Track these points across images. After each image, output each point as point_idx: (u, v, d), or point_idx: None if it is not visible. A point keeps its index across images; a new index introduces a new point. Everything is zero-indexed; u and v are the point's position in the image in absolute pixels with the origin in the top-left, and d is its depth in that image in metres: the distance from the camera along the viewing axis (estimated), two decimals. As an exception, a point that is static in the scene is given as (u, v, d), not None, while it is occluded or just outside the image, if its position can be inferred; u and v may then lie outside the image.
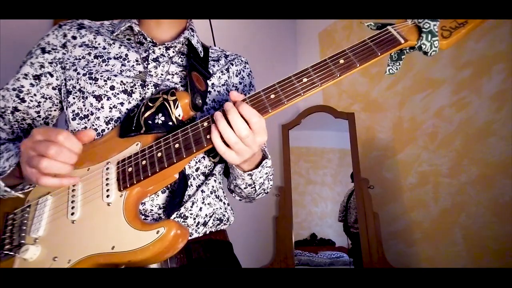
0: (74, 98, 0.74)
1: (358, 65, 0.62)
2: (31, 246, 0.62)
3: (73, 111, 0.74)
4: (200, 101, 0.71)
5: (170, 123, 0.67)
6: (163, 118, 0.67)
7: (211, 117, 0.63)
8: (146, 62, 0.78)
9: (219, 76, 0.85)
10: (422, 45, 0.62)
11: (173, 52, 0.81)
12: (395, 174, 2.03)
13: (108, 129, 0.72)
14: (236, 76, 0.88)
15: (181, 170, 0.66)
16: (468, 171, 1.69)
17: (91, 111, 0.73)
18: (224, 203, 0.80)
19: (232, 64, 0.89)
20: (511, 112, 1.57)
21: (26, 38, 0.84)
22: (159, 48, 0.79)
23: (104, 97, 0.72)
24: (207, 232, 0.74)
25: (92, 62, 0.76)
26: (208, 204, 0.74)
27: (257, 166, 0.72)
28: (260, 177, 0.74)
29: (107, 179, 0.65)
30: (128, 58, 0.78)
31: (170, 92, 0.69)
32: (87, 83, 0.73)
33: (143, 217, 0.69)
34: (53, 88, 0.78)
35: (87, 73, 0.74)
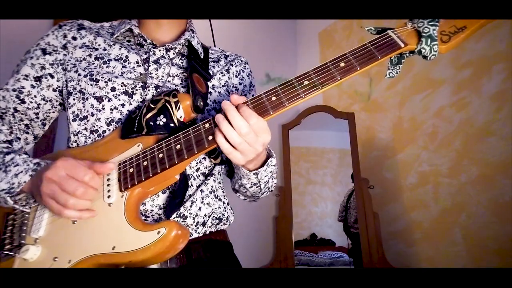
0: (74, 100, 0.75)
1: (358, 68, 0.63)
2: (32, 246, 0.62)
3: (73, 112, 0.74)
4: (201, 103, 0.71)
5: (172, 124, 0.68)
6: (164, 120, 0.67)
7: (212, 119, 0.64)
8: (147, 64, 0.78)
9: (219, 78, 0.85)
10: (421, 49, 0.63)
11: (174, 53, 0.81)
12: (395, 174, 2.03)
13: (109, 130, 0.72)
14: (236, 76, 0.89)
15: (182, 171, 0.66)
16: (468, 171, 1.69)
17: (92, 112, 0.73)
18: (223, 203, 0.80)
19: (232, 65, 0.89)
20: (511, 112, 1.57)
21: (26, 38, 0.84)
22: (160, 50, 0.79)
23: (105, 98, 0.72)
24: (207, 232, 0.75)
25: (93, 63, 0.76)
26: (207, 204, 0.74)
27: (262, 165, 0.72)
28: (265, 176, 0.75)
29: (108, 179, 0.65)
30: (128, 60, 0.78)
31: (171, 94, 0.69)
32: (88, 84, 0.73)
33: (143, 217, 0.69)
34: (54, 90, 0.78)
35: (88, 74, 0.74)
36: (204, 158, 0.77)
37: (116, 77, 0.74)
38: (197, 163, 0.76)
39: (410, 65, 2.02)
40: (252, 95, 0.91)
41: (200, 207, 0.73)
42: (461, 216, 1.68)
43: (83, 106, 0.73)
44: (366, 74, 2.29)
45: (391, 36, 0.65)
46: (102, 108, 0.72)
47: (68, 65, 0.77)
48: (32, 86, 0.76)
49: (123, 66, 0.77)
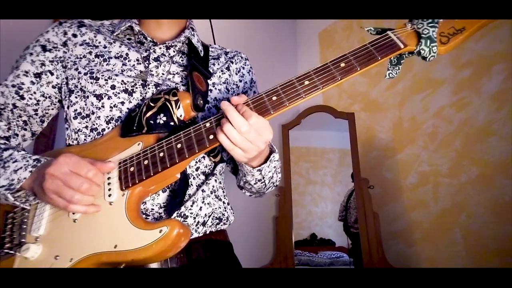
0: (76, 98, 0.75)
1: (359, 68, 0.63)
2: (32, 245, 0.62)
3: (75, 110, 0.74)
4: (201, 101, 0.71)
5: (172, 123, 0.68)
6: (164, 118, 0.68)
7: (213, 118, 0.64)
8: (147, 62, 0.78)
9: (220, 75, 0.85)
10: (421, 50, 0.64)
11: (174, 51, 0.81)
12: (395, 174, 2.03)
13: (108, 128, 0.72)
14: (236, 74, 0.89)
15: (183, 170, 0.67)
16: (468, 171, 1.69)
17: (92, 110, 0.73)
18: (224, 203, 0.80)
19: (232, 62, 0.89)
20: (511, 112, 1.57)
21: (26, 38, 0.84)
22: (160, 48, 0.79)
23: (104, 96, 0.72)
24: (207, 232, 0.75)
25: (93, 61, 0.76)
26: (208, 203, 0.74)
27: (265, 161, 0.73)
28: (269, 171, 0.76)
29: (108, 178, 0.65)
30: (129, 58, 0.78)
31: (171, 93, 0.69)
32: (88, 82, 0.73)
33: (144, 216, 0.69)
34: (53, 87, 0.78)
35: (88, 72, 0.74)
36: (204, 157, 0.77)
37: (116, 75, 0.74)
38: (196, 162, 0.76)
39: (410, 65, 2.02)
40: (254, 92, 0.91)
41: (201, 207, 0.73)
42: (461, 216, 1.68)
43: (85, 105, 0.74)
44: (367, 74, 2.29)
45: (391, 37, 0.65)
46: (102, 106, 0.72)
47: (68, 62, 0.77)
48: (32, 83, 0.76)
49: (123, 64, 0.77)
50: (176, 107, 0.68)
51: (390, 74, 0.70)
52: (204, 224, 0.73)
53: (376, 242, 1.97)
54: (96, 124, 0.73)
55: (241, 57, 0.93)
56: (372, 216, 2.02)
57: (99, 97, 0.72)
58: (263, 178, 0.76)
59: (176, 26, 0.85)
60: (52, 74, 0.77)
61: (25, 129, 0.79)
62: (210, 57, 0.88)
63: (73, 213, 0.63)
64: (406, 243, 1.91)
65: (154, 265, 0.64)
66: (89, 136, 0.73)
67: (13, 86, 0.75)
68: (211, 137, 0.63)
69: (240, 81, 0.89)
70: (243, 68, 0.91)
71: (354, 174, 2.15)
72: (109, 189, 0.64)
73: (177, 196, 0.67)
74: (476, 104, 1.71)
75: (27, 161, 0.67)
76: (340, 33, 2.55)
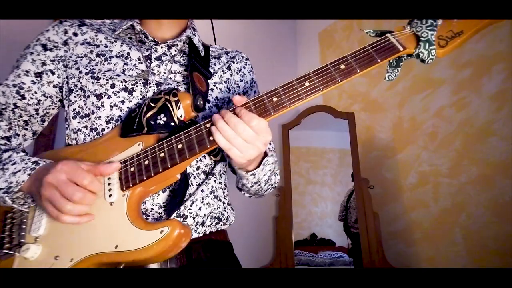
0: (75, 97, 0.74)
1: (358, 71, 0.64)
2: (32, 245, 0.62)
3: (74, 109, 0.74)
4: (201, 102, 0.71)
5: (172, 123, 0.68)
6: (165, 119, 0.68)
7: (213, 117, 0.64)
8: (149, 61, 0.78)
9: (221, 75, 0.85)
10: (420, 53, 0.64)
11: (175, 50, 0.81)
12: (395, 174, 2.03)
13: (108, 128, 0.72)
14: (237, 73, 0.89)
15: (183, 170, 0.67)
16: (468, 171, 1.69)
17: (92, 110, 0.73)
18: (223, 203, 0.80)
19: (233, 62, 0.90)
20: (511, 112, 1.57)
21: (26, 38, 0.84)
22: (161, 47, 0.79)
23: (104, 95, 0.72)
24: (207, 232, 0.74)
25: (94, 60, 0.76)
26: (207, 204, 0.74)
27: (259, 165, 0.72)
28: (264, 175, 0.75)
29: (109, 178, 0.65)
30: (130, 57, 0.78)
31: (172, 93, 0.69)
32: (89, 82, 0.73)
33: (143, 216, 0.69)
34: (54, 86, 0.78)
35: (90, 72, 0.74)
36: (204, 157, 0.77)
37: (118, 75, 0.74)
38: (197, 161, 0.76)
39: (410, 65, 2.02)
40: (254, 91, 0.91)
41: (200, 207, 0.73)
42: (461, 216, 1.68)
43: (85, 104, 0.73)
44: (366, 74, 2.29)
45: (390, 39, 0.66)
46: (102, 106, 0.72)
47: (69, 61, 0.77)
48: (33, 82, 0.76)
49: (124, 63, 0.77)
50: (176, 108, 0.68)
51: (390, 77, 0.70)
52: (203, 224, 0.73)
53: (376, 242, 1.97)
54: (96, 124, 0.73)
55: (242, 57, 0.93)
56: (372, 216, 2.02)
57: (99, 96, 0.72)
58: (259, 181, 0.76)
59: (177, 25, 0.85)
60: (53, 73, 0.77)
61: (26, 129, 0.79)
62: (211, 57, 0.88)
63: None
64: (406, 243, 1.91)
65: (153, 265, 0.64)
66: (89, 136, 0.73)
67: (14, 85, 0.75)
68: (212, 137, 0.63)
69: (241, 80, 0.89)
70: (244, 67, 0.91)
71: (354, 174, 2.15)
72: (110, 190, 0.64)
73: (177, 196, 0.67)
74: (476, 104, 1.71)
75: (26, 163, 0.67)
76: (340, 33, 2.55)
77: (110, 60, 0.77)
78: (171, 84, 0.77)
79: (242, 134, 0.60)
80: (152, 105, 0.69)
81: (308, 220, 2.43)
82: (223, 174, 0.84)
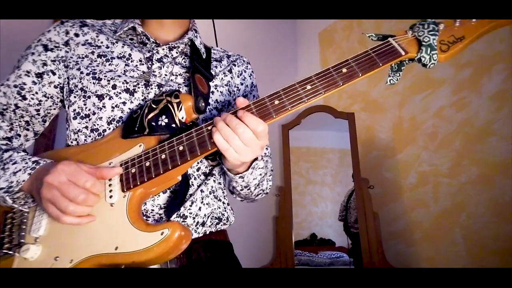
0: (75, 97, 0.74)
1: (360, 74, 0.64)
2: (32, 246, 0.62)
3: (74, 110, 0.74)
4: (202, 104, 0.71)
5: (173, 125, 0.68)
6: (166, 120, 0.68)
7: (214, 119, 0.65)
8: (150, 63, 0.78)
9: (222, 78, 0.85)
10: (421, 58, 0.64)
11: (177, 52, 0.81)
12: (395, 174, 2.03)
13: (109, 129, 0.72)
14: (238, 77, 0.89)
15: (184, 172, 0.67)
16: (468, 171, 1.69)
17: (93, 111, 0.73)
18: (223, 203, 0.80)
19: (235, 65, 0.90)
20: (511, 112, 1.57)
21: (26, 38, 0.84)
22: (163, 49, 0.79)
23: (106, 96, 0.72)
24: (207, 232, 0.75)
25: (96, 61, 0.76)
26: (207, 204, 0.74)
27: (248, 168, 0.72)
28: (253, 179, 0.75)
29: (110, 179, 0.65)
30: (131, 58, 0.78)
31: (173, 95, 0.69)
32: (90, 82, 0.73)
33: (144, 217, 0.69)
34: (55, 87, 0.78)
35: (91, 72, 0.74)
36: (205, 157, 0.77)
37: (119, 76, 0.74)
38: (198, 163, 0.76)
39: (410, 65, 2.01)
40: (253, 95, 0.91)
41: (200, 207, 0.73)
42: (461, 216, 1.68)
43: (84, 104, 0.73)
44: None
45: (392, 44, 0.66)
46: (103, 106, 0.72)
47: (70, 62, 0.77)
48: (34, 83, 0.76)
49: (126, 64, 0.77)
50: (178, 109, 0.68)
51: (391, 80, 0.70)
52: (203, 224, 0.73)
53: (376, 242, 1.97)
54: (97, 124, 0.73)
55: (243, 61, 0.93)
56: (372, 216, 2.02)
57: (100, 97, 0.72)
58: (248, 185, 0.76)
59: (179, 27, 0.85)
60: (54, 74, 0.77)
61: (27, 129, 0.79)
62: (212, 59, 0.88)
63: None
64: (406, 243, 1.91)
65: (153, 266, 0.64)
66: (90, 136, 0.73)
67: (15, 86, 0.75)
68: (213, 140, 0.63)
69: (241, 84, 0.89)
70: (245, 71, 0.91)
71: (354, 174, 2.15)
72: (110, 191, 0.64)
73: (177, 197, 0.67)
74: (476, 104, 1.71)
75: (26, 163, 0.67)
76: (340, 33, 2.55)
77: (111, 61, 0.77)
78: (172, 86, 0.77)
79: (241, 135, 0.61)
80: (154, 106, 0.69)
81: (308, 220, 2.43)
82: (222, 174, 0.84)
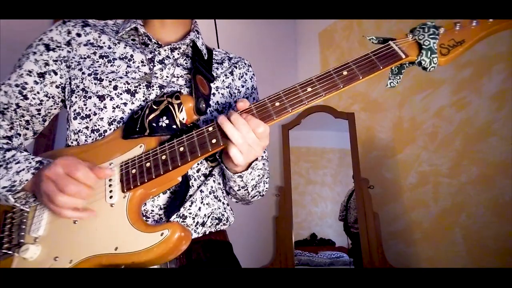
0: (76, 97, 0.74)
1: (361, 77, 0.64)
2: (31, 246, 0.62)
3: (75, 110, 0.74)
4: (203, 105, 0.72)
5: (174, 126, 0.68)
6: (167, 121, 0.68)
7: (215, 122, 0.65)
8: (152, 64, 0.78)
9: (223, 80, 0.85)
10: (422, 61, 0.65)
11: (178, 53, 0.81)
12: (395, 174, 2.03)
13: (110, 129, 0.72)
14: (239, 79, 0.89)
15: (184, 173, 0.67)
16: (468, 171, 1.69)
17: (94, 111, 0.73)
18: (223, 203, 0.80)
19: (236, 67, 0.90)
20: (511, 112, 1.57)
21: (27, 38, 0.84)
22: (165, 50, 0.79)
23: (107, 97, 0.72)
24: (207, 232, 0.75)
25: (98, 62, 0.76)
26: (207, 204, 0.74)
27: (247, 168, 0.72)
28: (251, 179, 0.75)
29: (110, 180, 0.65)
30: (133, 59, 0.78)
31: (174, 96, 0.69)
32: (92, 83, 0.73)
33: (144, 217, 0.69)
34: (57, 87, 0.77)
35: (93, 73, 0.74)
36: (205, 158, 0.77)
37: (121, 77, 0.74)
38: (198, 164, 0.76)
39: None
40: (254, 98, 0.91)
41: (199, 207, 0.73)
42: (461, 216, 1.68)
43: (85, 105, 0.73)
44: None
45: (393, 47, 0.66)
46: (104, 107, 0.72)
47: (72, 62, 0.77)
48: (35, 82, 0.76)
49: (127, 66, 0.77)
50: (179, 110, 0.68)
51: (391, 83, 0.71)
52: (203, 224, 0.73)
53: (376, 242, 1.97)
54: (98, 125, 0.73)
55: (245, 63, 0.93)
56: (372, 216, 2.02)
57: (101, 98, 0.72)
58: (246, 185, 0.76)
59: (181, 28, 0.85)
60: (56, 73, 0.77)
61: (27, 129, 0.79)
62: (213, 61, 0.88)
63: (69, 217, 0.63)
64: (406, 243, 1.91)
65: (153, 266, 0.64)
66: (90, 137, 0.73)
67: (17, 85, 0.75)
68: (214, 141, 0.63)
69: (243, 86, 0.89)
70: (246, 74, 0.91)
71: (354, 174, 2.15)
72: (111, 191, 0.64)
73: (177, 198, 0.67)
74: (476, 104, 1.71)
75: (30, 162, 0.67)
76: (340, 33, 2.55)
77: (113, 62, 0.77)
78: (174, 87, 0.77)
79: (246, 135, 0.61)
80: (155, 107, 0.69)
81: (308, 220, 2.43)
82: (222, 175, 0.84)
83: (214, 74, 0.84)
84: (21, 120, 0.77)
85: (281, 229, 2.30)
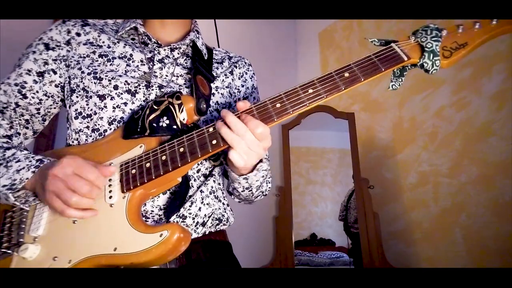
0: (77, 97, 0.74)
1: (362, 79, 0.64)
2: (31, 245, 0.62)
3: (76, 110, 0.74)
4: (204, 105, 0.71)
5: (175, 126, 0.68)
6: (167, 122, 0.68)
7: (216, 123, 0.65)
8: (152, 63, 0.78)
9: (223, 79, 0.85)
10: (424, 63, 0.64)
11: (178, 53, 0.81)
12: (395, 174, 2.03)
13: (110, 129, 0.72)
14: (239, 78, 0.89)
15: (184, 173, 0.67)
16: (468, 171, 1.69)
17: (95, 111, 0.73)
18: (223, 204, 0.80)
19: (236, 67, 0.89)
20: (511, 112, 1.57)
21: (27, 38, 0.84)
22: (164, 49, 0.79)
23: (107, 96, 0.72)
24: (207, 233, 0.74)
25: (97, 61, 0.76)
26: (207, 204, 0.74)
27: (252, 170, 0.72)
28: (256, 180, 0.75)
29: (110, 180, 0.65)
30: (133, 58, 0.78)
31: (175, 96, 0.69)
32: (92, 82, 0.73)
33: (143, 218, 0.69)
34: (56, 86, 0.78)
35: (92, 72, 0.74)
36: (206, 159, 0.77)
37: (120, 76, 0.74)
38: (198, 164, 0.76)
39: (410, 65, 2.02)
40: (254, 98, 0.91)
41: (200, 208, 0.73)
42: (461, 216, 1.68)
43: (87, 104, 0.73)
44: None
45: (395, 49, 0.66)
46: (105, 107, 0.72)
47: (71, 61, 0.77)
48: (35, 82, 0.76)
49: (127, 65, 0.77)
50: (179, 111, 0.68)
51: (393, 86, 0.71)
52: (203, 224, 0.73)
53: (376, 242, 1.97)
54: (98, 124, 0.73)
55: (245, 63, 0.93)
56: (372, 216, 2.02)
57: (102, 97, 0.72)
58: (250, 186, 0.76)
59: (181, 28, 0.85)
60: (55, 73, 0.77)
61: (27, 128, 0.79)
62: (213, 61, 0.88)
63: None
64: (406, 243, 1.91)
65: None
66: (90, 136, 0.73)
67: (16, 85, 0.75)
68: (214, 142, 0.63)
69: (243, 86, 0.89)
70: (246, 73, 0.91)
71: (354, 174, 2.15)
72: (110, 191, 0.64)
73: (177, 199, 0.67)
74: (476, 104, 1.71)
75: (30, 161, 0.67)
76: (340, 33, 2.55)
77: (112, 61, 0.77)
78: (173, 87, 0.77)
79: (244, 136, 0.61)
80: (155, 107, 0.69)
81: (308, 220, 2.43)
82: (222, 175, 0.84)
83: (214, 74, 0.84)
84: (20, 119, 0.77)
85: (281, 229, 2.30)
